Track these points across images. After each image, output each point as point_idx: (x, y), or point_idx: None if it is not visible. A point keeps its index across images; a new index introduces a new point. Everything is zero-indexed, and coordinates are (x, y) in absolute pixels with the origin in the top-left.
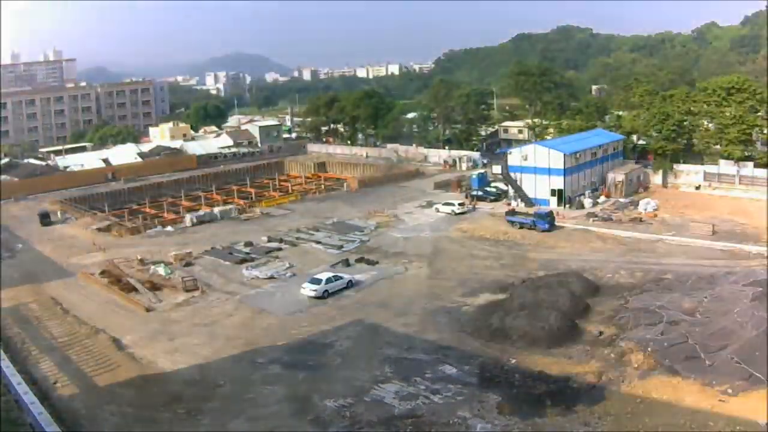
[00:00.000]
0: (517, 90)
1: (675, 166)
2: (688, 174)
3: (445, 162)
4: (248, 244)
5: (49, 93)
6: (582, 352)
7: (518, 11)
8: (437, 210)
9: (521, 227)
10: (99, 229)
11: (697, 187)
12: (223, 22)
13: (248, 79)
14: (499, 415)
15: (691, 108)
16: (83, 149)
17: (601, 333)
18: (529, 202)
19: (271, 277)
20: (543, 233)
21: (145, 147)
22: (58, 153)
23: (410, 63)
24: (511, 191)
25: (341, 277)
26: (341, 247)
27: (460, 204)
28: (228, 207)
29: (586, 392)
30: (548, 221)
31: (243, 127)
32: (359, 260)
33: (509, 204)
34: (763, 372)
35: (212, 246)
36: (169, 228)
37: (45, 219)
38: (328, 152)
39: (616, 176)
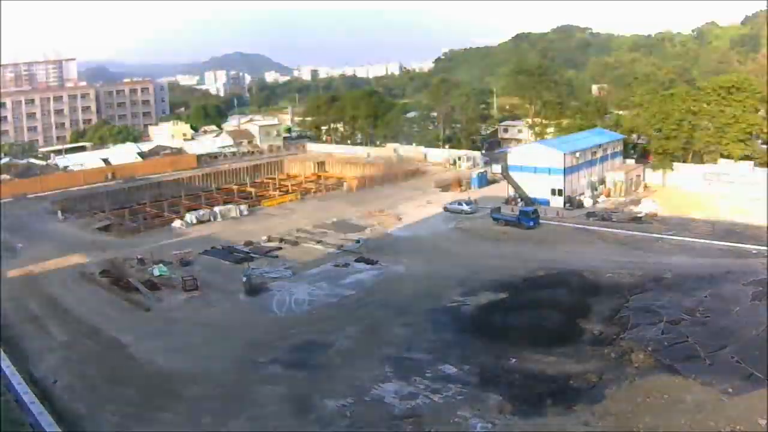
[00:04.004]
0: (517, 89)
1: (675, 165)
2: (688, 173)
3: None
4: (248, 243)
5: (49, 93)
6: (582, 352)
7: (518, 11)
8: (446, 209)
9: (506, 224)
10: (99, 229)
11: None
12: (224, 22)
13: (248, 79)
14: (499, 415)
15: (691, 107)
16: (83, 149)
17: (601, 333)
18: (529, 201)
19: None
20: (539, 233)
21: (145, 147)
22: (58, 153)
23: (410, 63)
24: (510, 191)
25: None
26: (341, 246)
27: (467, 203)
28: (228, 207)
29: (586, 392)
30: (533, 218)
31: (243, 127)
32: (359, 260)
33: (510, 202)
34: (763, 372)
35: (212, 246)
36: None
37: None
38: (328, 152)
39: (616, 175)
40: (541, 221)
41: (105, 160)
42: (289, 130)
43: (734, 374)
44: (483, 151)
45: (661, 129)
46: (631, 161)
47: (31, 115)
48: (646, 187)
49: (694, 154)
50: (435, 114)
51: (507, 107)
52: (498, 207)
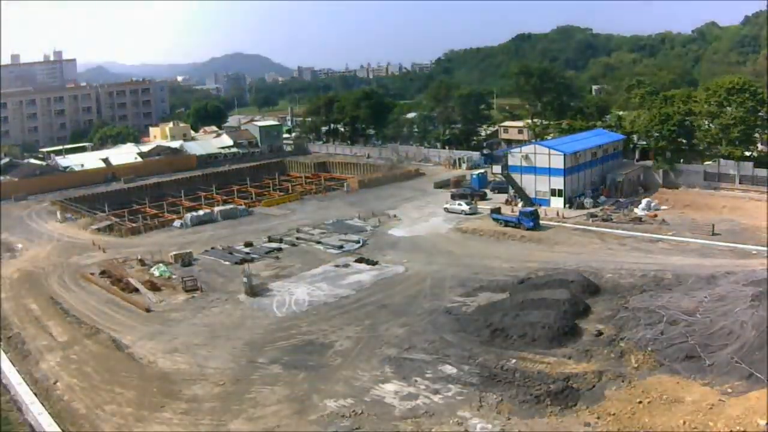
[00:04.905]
0: (518, 90)
1: (675, 165)
2: (689, 174)
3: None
4: (248, 244)
5: (50, 93)
6: (582, 352)
7: (518, 11)
8: (447, 210)
9: (506, 225)
10: (99, 229)
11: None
12: (223, 22)
13: (248, 79)
14: (499, 415)
15: (692, 108)
16: (83, 149)
17: (601, 333)
18: (529, 202)
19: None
20: (539, 233)
21: (145, 147)
22: (58, 153)
23: (410, 63)
24: (511, 191)
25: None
26: (341, 247)
27: (468, 203)
28: (228, 207)
29: (586, 392)
30: (533, 219)
31: (243, 127)
32: (359, 260)
33: (510, 203)
34: (763, 372)
35: (212, 246)
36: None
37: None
38: (329, 152)
39: (617, 176)
40: (541, 222)
41: (105, 161)
42: (289, 130)
43: (734, 374)
44: (483, 152)
45: (662, 130)
46: (631, 162)
47: (31, 116)
48: (646, 188)
49: (694, 154)
50: (435, 115)
51: (507, 108)
52: (498, 207)
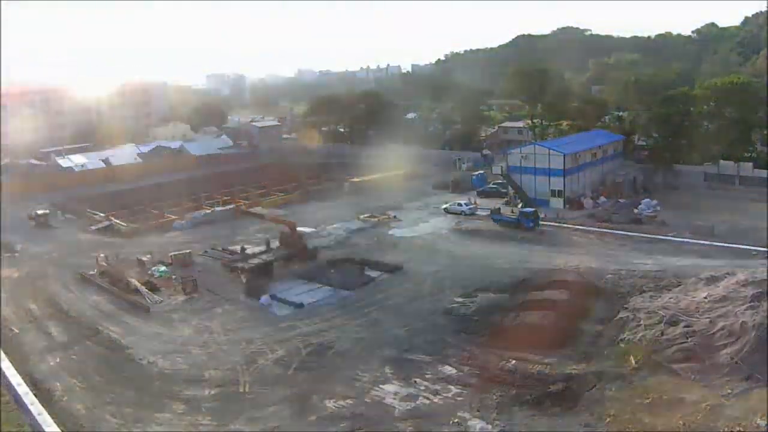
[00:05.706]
0: (518, 91)
1: (675, 166)
2: (688, 175)
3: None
4: (245, 247)
5: (50, 94)
6: (582, 353)
7: (518, 12)
8: (446, 211)
9: (506, 226)
10: (99, 230)
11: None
12: (224, 23)
13: (248, 80)
14: (499, 416)
15: (691, 108)
16: (83, 150)
17: (600, 333)
18: (528, 202)
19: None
20: (539, 233)
21: (145, 147)
22: (58, 153)
23: (410, 64)
24: (511, 192)
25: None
26: None
27: (467, 204)
28: (228, 207)
29: (585, 393)
30: (533, 219)
31: (243, 128)
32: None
33: (509, 203)
34: (763, 372)
35: (212, 247)
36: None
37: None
38: (329, 152)
39: (616, 177)
40: (540, 222)
41: (105, 161)
42: (289, 131)
43: (734, 375)
44: (483, 153)
45: (661, 130)
46: (631, 162)
47: (31, 116)
48: (646, 188)
49: (694, 155)
50: (435, 115)
51: (507, 108)
52: (498, 208)
